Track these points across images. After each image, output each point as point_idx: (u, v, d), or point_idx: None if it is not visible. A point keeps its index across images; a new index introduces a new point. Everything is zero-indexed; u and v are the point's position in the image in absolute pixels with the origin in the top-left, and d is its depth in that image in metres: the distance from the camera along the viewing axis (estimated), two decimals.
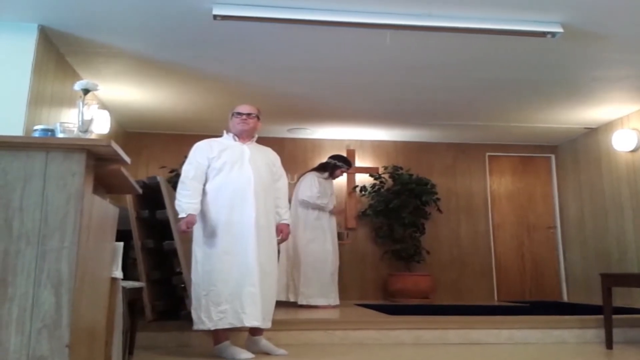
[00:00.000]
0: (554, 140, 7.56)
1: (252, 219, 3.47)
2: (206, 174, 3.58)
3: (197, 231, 3.55)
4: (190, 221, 3.42)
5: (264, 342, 3.59)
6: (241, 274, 3.40)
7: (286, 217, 3.80)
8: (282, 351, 3.56)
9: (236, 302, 3.36)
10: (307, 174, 5.88)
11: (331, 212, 5.79)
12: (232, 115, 3.74)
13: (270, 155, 3.83)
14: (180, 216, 3.46)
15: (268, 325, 3.51)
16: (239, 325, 3.37)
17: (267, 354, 3.54)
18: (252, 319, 3.36)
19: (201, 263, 3.47)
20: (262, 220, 3.52)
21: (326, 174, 5.84)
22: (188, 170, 3.56)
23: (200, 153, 3.61)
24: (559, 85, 5.32)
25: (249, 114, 3.69)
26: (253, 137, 3.77)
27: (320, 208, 5.69)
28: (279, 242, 3.77)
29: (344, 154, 6.60)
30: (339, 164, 5.88)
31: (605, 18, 3.93)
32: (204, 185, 3.57)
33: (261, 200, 3.55)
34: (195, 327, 3.43)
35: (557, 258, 7.56)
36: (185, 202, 3.46)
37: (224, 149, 3.61)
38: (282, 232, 3.75)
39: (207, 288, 3.40)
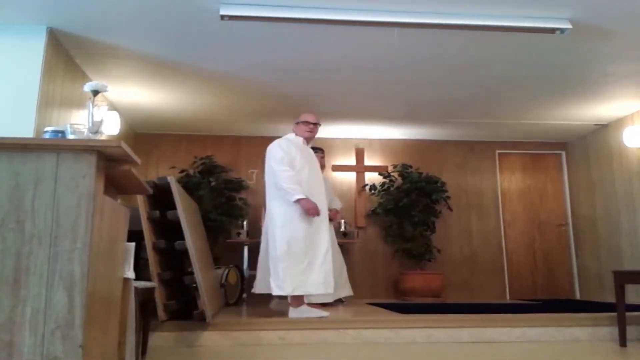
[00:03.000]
0: (564, 137, 7.51)
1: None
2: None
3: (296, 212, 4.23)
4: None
5: None
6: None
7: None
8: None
9: None
10: None
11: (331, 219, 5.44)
12: (301, 122, 4.51)
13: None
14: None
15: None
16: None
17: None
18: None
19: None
20: (324, 211, 4.40)
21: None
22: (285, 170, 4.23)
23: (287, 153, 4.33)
24: (569, 81, 5.28)
25: (315, 124, 4.52)
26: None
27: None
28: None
29: (353, 153, 6.52)
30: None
31: (613, 14, 3.90)
32: None
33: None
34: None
35: (569, 255, 7.51)
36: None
37: (299, 151, 4.40)
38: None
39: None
